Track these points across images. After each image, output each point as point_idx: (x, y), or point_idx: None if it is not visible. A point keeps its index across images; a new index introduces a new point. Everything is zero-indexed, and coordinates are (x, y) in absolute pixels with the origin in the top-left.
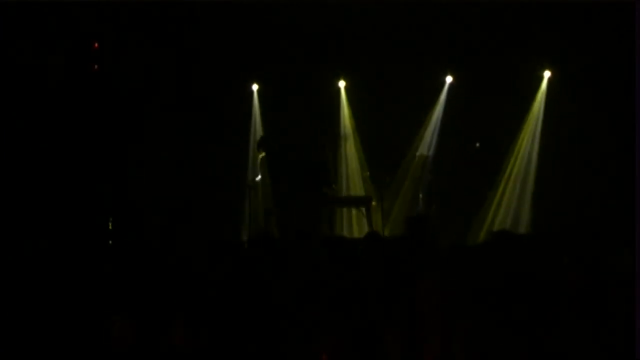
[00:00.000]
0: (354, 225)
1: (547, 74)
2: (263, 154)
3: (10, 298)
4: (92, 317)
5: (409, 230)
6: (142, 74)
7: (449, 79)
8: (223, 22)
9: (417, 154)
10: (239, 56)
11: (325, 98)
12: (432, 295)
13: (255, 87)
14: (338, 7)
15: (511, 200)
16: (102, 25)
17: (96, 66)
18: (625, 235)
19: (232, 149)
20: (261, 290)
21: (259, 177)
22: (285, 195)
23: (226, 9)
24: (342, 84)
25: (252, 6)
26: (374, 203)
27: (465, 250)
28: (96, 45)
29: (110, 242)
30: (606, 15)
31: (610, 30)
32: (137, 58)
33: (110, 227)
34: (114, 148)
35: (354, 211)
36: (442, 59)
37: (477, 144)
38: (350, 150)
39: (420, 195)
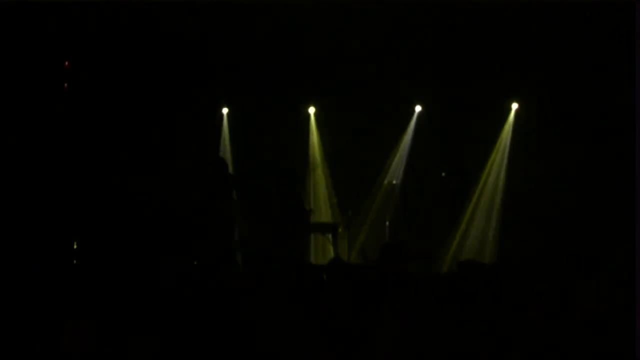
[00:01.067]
0: (320, 251)
1: (514, 105)
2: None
3: None
4: (45, 321)
5: (384, 257)
6: (113, 97)
7: (418, 108)
8: (195, 43)
9: (385, 181)
10: (211, 79)
11: (295, 123)
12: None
13: (225, 110)
14: (309, 33)
15: (478, 229)
16: (72, 42)
17: (66, 85)
18: (591, 264)
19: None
20: (228, 313)
21: None
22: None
23: (198, 31)
24: (311, 110)
25: (224, 29)
26: (340, 230)
27: (431, 278)
28: (67, 64)
29: (74, 260)
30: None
31: (585, 57)
32: (108, 80)
33: (75, 246)
34: (83, 166)
35: (320, 237)
36: (412, 87)
37: (443, 174)
38: (318, 176)
39: (387, 223)
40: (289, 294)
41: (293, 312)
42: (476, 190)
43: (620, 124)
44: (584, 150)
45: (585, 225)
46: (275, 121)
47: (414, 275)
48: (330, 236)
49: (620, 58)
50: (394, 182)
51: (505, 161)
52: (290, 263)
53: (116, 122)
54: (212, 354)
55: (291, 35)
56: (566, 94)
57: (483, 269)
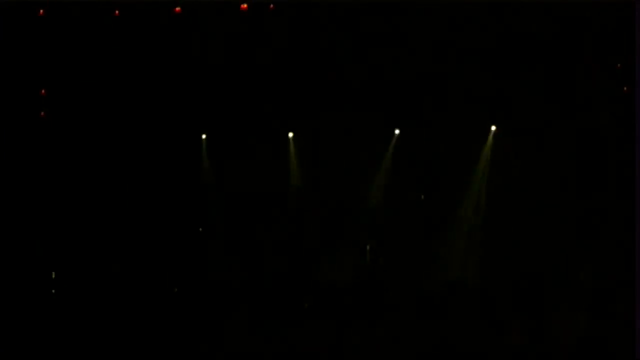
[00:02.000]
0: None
1: (492, 128)
2: None
3: None
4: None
5: (358, 280)
6: (94, 123)
7: (397, 131)
8: (171, 69)
9: (365, 205)
10: (189, 105)
11: (275, 148)
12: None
13: (204, 136)
14: (286, 60)
15: (459, 251)
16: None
17: (42, 113)
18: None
19: (181, 197)
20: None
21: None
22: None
23: (175, 58)
24: (290, 135)
25: (200, 56)
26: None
27: (413, 300)
28: (43, 91)
29: (53, 290)
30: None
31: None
32: (87, 107)
33: (53, 276)
34: (61, 198)
35: None
36: (391, 111)
37: (422, 196)
38: (298, 200)
39: (368, 247)
40: (271, 316)
41: (274, 335)
42: (456, 212)
43: (606, 139)
44: (564, 170)
45: (565, 246)
46: (254, 146)
47: (394, 297)
48: None
49: (620, 58)
50: (374, 205)
51: (484, 182)
52: (272, 288)
53: (92, 146)
54: None
55: (269, 61)
56: (552, 108)
57: (466, 289)
